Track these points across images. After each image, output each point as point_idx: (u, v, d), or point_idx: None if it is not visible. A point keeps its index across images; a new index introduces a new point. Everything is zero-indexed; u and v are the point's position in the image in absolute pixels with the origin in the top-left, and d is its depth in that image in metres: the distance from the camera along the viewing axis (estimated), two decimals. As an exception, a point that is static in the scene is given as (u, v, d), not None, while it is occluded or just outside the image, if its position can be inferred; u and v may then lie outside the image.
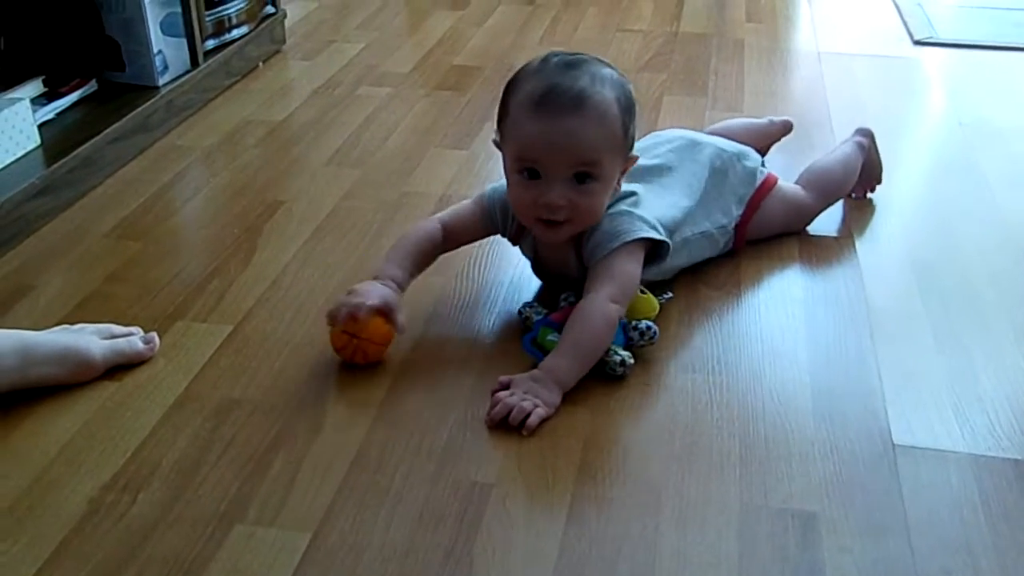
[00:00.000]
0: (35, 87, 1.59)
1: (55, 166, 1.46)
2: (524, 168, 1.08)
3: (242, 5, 1.95)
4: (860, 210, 1.45)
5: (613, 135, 1.07)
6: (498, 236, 1.23)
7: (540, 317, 1.13)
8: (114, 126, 1.59)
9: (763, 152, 1.52)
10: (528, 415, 0.99)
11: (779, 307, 1.22)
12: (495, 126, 1.15)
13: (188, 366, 1.11)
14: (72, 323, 1.13)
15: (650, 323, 1.10)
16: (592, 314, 1.06)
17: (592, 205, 1.09)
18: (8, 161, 1.44)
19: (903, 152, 1.66)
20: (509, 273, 1.28)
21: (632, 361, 1.07)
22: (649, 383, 1.08)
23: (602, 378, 1.07)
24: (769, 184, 1.32)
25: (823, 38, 2.24)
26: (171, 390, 1.07)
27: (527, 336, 1.11)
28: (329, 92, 1.91)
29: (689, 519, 0.89)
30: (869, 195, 1.48)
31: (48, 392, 1.05)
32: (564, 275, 1.18)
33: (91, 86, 1.68)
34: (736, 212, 1.29)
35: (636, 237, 1.11)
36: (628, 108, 1.09)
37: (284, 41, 2.14)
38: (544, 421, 1.00)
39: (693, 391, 1.07)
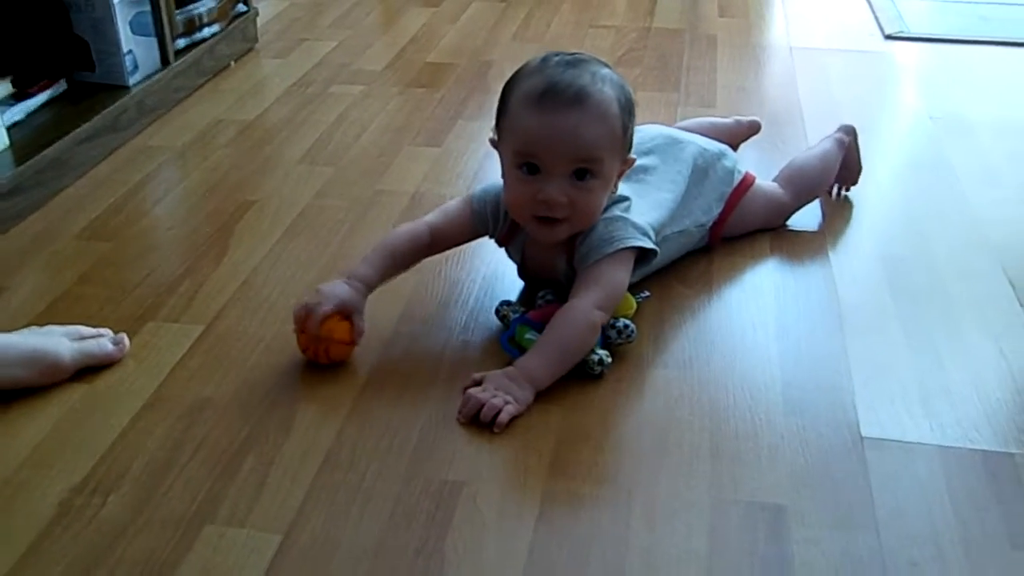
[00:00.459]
0: (3, 88, 1.57)
1: (24, 167, 1.45)
2: (523, 163, 1.07)
3: (213, 4, 1.94)
4: (832, 205, 1.46)
5: (613, 133, 1.07)
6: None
7: (518, 315, 1.13)
8: (84, 126, 1.57)
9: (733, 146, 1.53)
10: (499, 412, 0.99)
11: (751, 303, 1.23)
12: (493, 125, 1.14)
13: (159, 367, 1.10)
14: (42, 325, 1.12)
15: (627, 321, 1.10)
16: (576, 320, 1.06)
17: (590, 203, 1.09)
18: (-24, 162, 1.43)
19: (874, 147, 1.67)
20: (483, 271, 1.28)
21: (610, 360, 1.07)
22: (621, 380, 1.08)
23: (578, 375, 1.07)
24: (747, 183, 1.33)
25: (795, 33, 2.25)
26: (141, 391, 1.06)
27: (504, 334, 1.11)
28: (301, 90, 1.91)
29: (659, 515, 0.90)
30: (844, 194, 1.49)
31: (17, 394, 1.04)
32: (550, 278, 1.18)
33: (60, 86, 1.67)
34: (716, 210, 1.30)
35: (629, 245, 1.11)
36: (628, 108, 1.10)
37: (256, 39, 2.13)
38: (516, 418, 1.00)
39: (665, 388, 1.07)
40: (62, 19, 1.68)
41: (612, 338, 1.10)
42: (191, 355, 1.12)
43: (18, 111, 1.57)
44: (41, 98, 1.62)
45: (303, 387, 1.07)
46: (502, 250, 1.24)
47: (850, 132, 1.48)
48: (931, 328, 1.18)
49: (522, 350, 1.07)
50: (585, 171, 1.06)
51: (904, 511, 0.91)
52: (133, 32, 1.71)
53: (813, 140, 1.54)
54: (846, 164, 1.46)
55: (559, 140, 1.05)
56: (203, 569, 0.84)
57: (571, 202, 1.07)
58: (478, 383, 1.03)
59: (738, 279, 1.28)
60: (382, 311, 1.18)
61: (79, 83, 1.70)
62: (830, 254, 1.33)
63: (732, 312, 1.22)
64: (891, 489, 0.93)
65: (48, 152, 1.49)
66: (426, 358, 1.12)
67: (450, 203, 1.21)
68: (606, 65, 1.12)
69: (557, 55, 1.11)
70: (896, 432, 1.01)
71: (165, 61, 1.80)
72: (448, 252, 1.27)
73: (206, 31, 1.93)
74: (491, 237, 1.21)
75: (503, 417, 0.99)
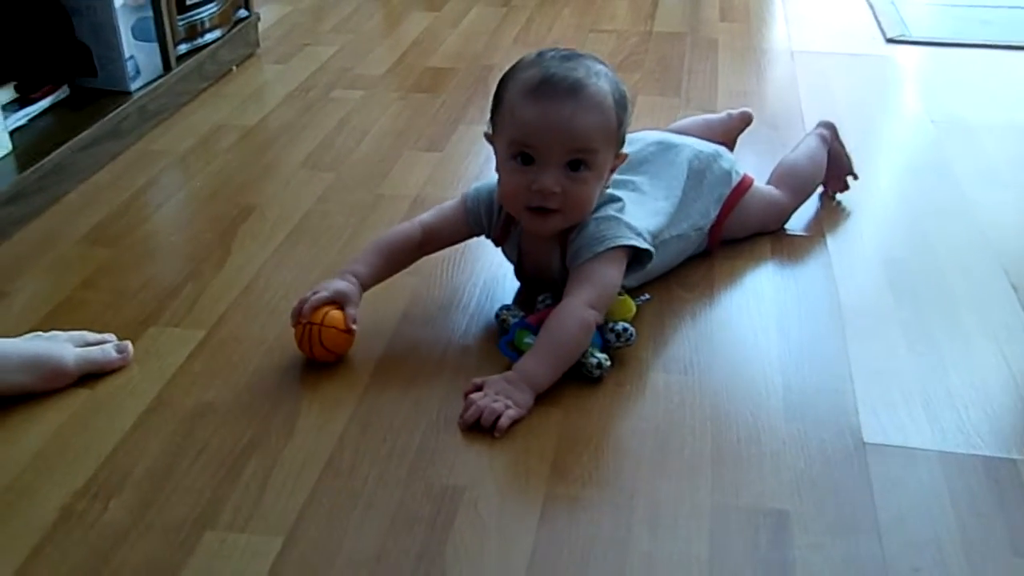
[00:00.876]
0: (6, 93, 1.58)
1: (27, 172, 1.45)
2: (518, 153, 1.08)
3: (214, 9, 1.95)
4: (832, 208, 1.46)
5: (607, 125, 1.08)
6: (476, 238, 1.23)
7: (517, 319, 1.13)
8: (86, 132, 1.58)
9: (728, 148, 1.53)
10: (499, 416, 0.99)
11: (752, 307, 1.23)
12: (488, 119, 1.15)
13: (161, 372, 1.10)
14: (45, 330, 1.13)
15: (627, 325, 1.10)
16: (569, 318, 1.06)
17: (583, 194, 1.09)
18: (-21, 168, 1.43)
19: (875, 150, 1.68)
20: (483, 275, 1.28)
21: (609, 363, 1.07)
22: (623, 384, 1.08)
23: (577, 379, 1.07)
24: (745, 185, 1.33)
25: (796, 37, 2.25)
26: (144, 396, 1.06)
27: (503, 338, 1.11)
28: (303, 95, 1.91)
29: (661, 520, 0.90)
30: (844, 192, 1.48)
31: (20, 400, 1.04)
32: (546, 278, 1.18)
33: (63, 92, 1.67)
34: (713, 213, 1.30)
35: (621, 244, 1.11)
36: (622, 103, 1.11)
37: (258, 44, 2.13)
38: (516, 422, 1.00)
39: (666, 392, 1.07)
40: (64, 25, 1.68)
41: (612, 341, 1.10)
42: (193, 360, 1.12)
43: (20, 117, 1.57)
44: (43, 104, 1.63)
45: (305, 392, 1.07)
46: (501, 254, 1.24)
47: (829, 127, 1.48)
48: (933, 332, 1.18)
49: (521, 354, 1.07)
50: (579, 162, 1.07)
51: (906, 517, 0.91)
52: (135, 38, 1.72)
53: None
54: (833, 161, 1.46)
55: (554, 129, 1.06)
56: (204, 574, 0.84)
57: (565, 192, 1.07)
58: (478, 388, 1.03)
59: (739, 282, 1.28)
60: (382, 315, 1.18)
61: (81, 88, 1.70)
62: (831, 257, 1.33)
63: (733, 316, 1.22)
64: (893, 494, 0.93)
65: (50, 158, 1.49)
66: (426, 362, 1.12)
67: (445, 203, 1.22)
68: (601, 62, 1.13)
69: (552, 51, 1.12)
70: (898, 437, 1.00)
71: (167, 66, 1.80)
72: (447, 256, 1.27)
73: (208, 36, 1.93)
74: (487, 236, 1.21)
75: (503, 422, 0.99)
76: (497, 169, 1.14)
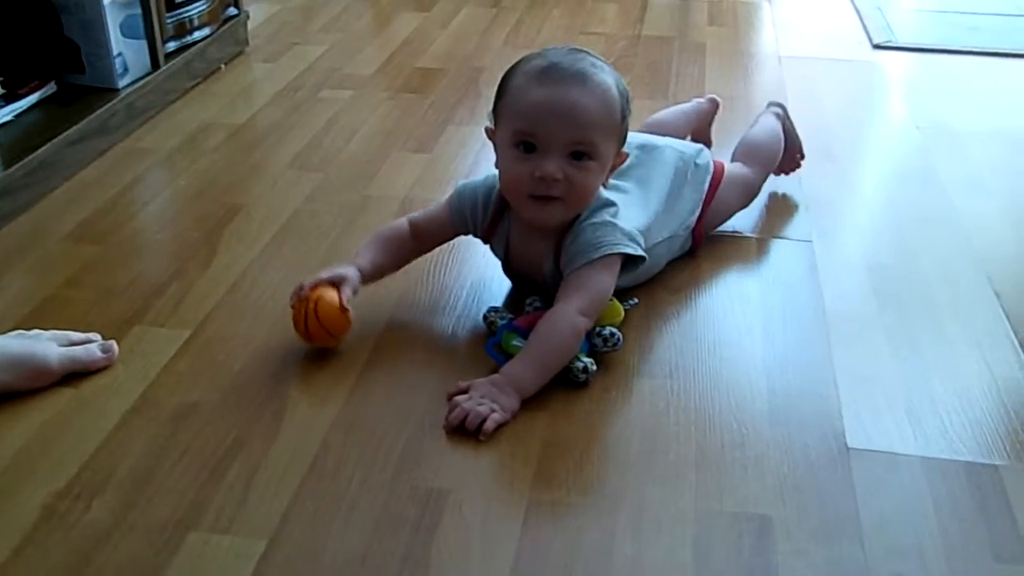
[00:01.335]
0: (-8, 89, 1.57)
1: (12, 169, 1.44)
2: (520, 142, 1.09)
3: (203, 7, 1.94)
4: (818, 213, 1.46)
5: (611, 117, 1.09)
6: (463, 239, 1.23)
7: (505, 322, 1.13)
8: (73, 128, 1.57)
9: (704, 135, 1.58)
10: (485, 420, 0.99)
11: (737, 311, 1.24)
12: (490, 112, 1.16)
13: (145, 371, 1.10)
14: (29, 328, 1.12)
15: (614, 329, 1.11)
16: (560, 324, 1.06)
17: (586, 184, 1.09)
18: (-37, 164, 1.43)
19: (861, 156, 1.69)
20: (471, 277, 1.28)
21: (595, 368, 1.07)
22: (608, 388, 1.08)
23: (564, 384, 1.07)
24: (719, 176, 1.34)
25: (784, 42, 2.26)
26: (128, 396, 1.06)
27: (491, 340, 1.11)
28: (291, 95, 1.91)
29: (645, 525, 0.90)
30: (795, 171, 1.51)
31: (2, 399, 1.04)
32: (536, 278, 1.19)
33: (50, 88, 1.66)
34: (697, 210, 1.31)
35: (615, 251, 1.11)
36: (625, 98, 1.12)
37: (247, 43, 2.13)
38: (501, 426, 1.00)
39: (651, 396, 1.07)
40: (52, 21, 1.67)
41: (598, 346, 1.10)
42: (178, 360, 1.12)
43: (7, 113, 1.57)
44: (30, 100, 1.62)
45: (290, 393, 1.07)
46: (490, 257, 1.24)
47: (780, 106, 1.52)
48: (917, 338, 1.18)
49: (508, 357, 1.07)
50: (582, 153, 1.08)
51: (889, 522, 0.91)
52: (123, 35, 1.71)
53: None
54: (786, 140, 1.49)
55: (560, 115, 1.07)
56: (188, 575, 0.84)
57: (568, 179, 1.08)
58: (464, 391, 1.03)
59: (724, 287, 1.29)
60: (369, 317, 1.18)
61: (69, 85, 1.69)
62: (817, 262, 1.34)
63: (718, 320, 1.22)
64: (876, 500, 0.93)
65: (37, 154, 1.48)
66: (413, 365, 1.12)
67: (433, 203, 1.23)
68: (603, 60, 1.14)
69: (555, 47, 1.14)
70: (881, 442, 1.01)
71: (155, 64, 1.80)
72: (435, 257, 1.27)
73: (196, 34, 1.92)
74: (474, 235, 1.22)
75: (489, 425, 0.99)
76: (497, 164, 1.14)
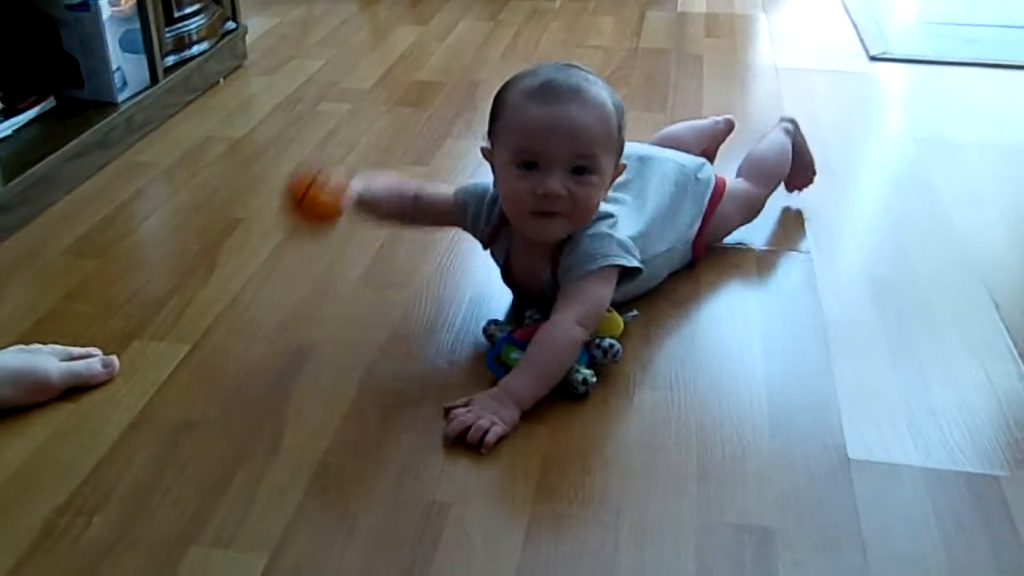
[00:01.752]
0: (-8, 104, 1.58)
1: (12, 183, 1.44)
2: (522, 161, 1.09)
3: (202, 21, 1.95)
4: (816, 224, 1.47)
5: (609, 131, 1.10)
6: (451, 245, 1.23)
7: (504, 334, 1.13)
8: (72, 143, 1.57)
9: (711, 153, 1.56)
10: (486, 432, 0.99)
11: (737, 322, 1.24)
12: (485, 133, 1.16)
13: (146, 386, 1.10)
14: (29, 342, 1.12)
15: (613, 341, 1.11)
16: (557, 336, 1.07)
17: (588, 198, 1.10)
18: (-37, 179, 1.43)
19: (858, 167, 1.69)
20: (470, 292, 1.28)
21: (595, 379, 1.07)
22: (608, 400, 1.08)
23: (563, 395, 1.07)
24: (720, 190, 1.34)
25: (781, 53, 2.27)
26: (128, 410, 1.06)
27: (490, 353, 1.12)
28: (290, 108, 1.91)
29: (647, 537, 0.90)
30: (808, 187, 1.51)
31: (2, 414, 1.04)
32: (534, 290, 1.19)
33: (49, 103, 1.67)
34: (697, 223, 1.31)
35: (613, 262, 1.11)
36: (620, 110, 1.13)
37: (245, 57, 2.13)
38: (502, 439, 1.00)
39: (652, 408, 1.07)
40: (52, 36, 1.68)
41: (598, 358, 1.10)
42: (178, 374, 1.12)
43: (6, 127, 1.57)
44: (30, 114, 1.62)
45: (291, 407, 1.07)
46: (490, 270, 1.24)
47: (792, 121, 1.52)
48: (916, 348, 1.19)
49: (508, 369, 1.07)
50: (583, 168, 1.08)
51: (890, 534, 0.91)
52: (122, 49, 1.71)
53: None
54: (797, 156, 1.49)
55: (559, 131, 1.07)
56: (189, 591, 0.84)
57: (571, 195, 1.08)
58: (463, 405, 1.03)
59: (724, 299, 1.29)
60: (369, 330, 1.18)
61: (68, 99, 1.70)
62: (816, 274, 1.34)
63: (718, 332, 1.22)
64: (877, 511, 0.93)
65: (36, 169, 1.49)
66: (413, 379, 1.12)
67: (442, 185, 1.24)
68: (594, 74, 1.14)
69: (546, 64, 1.14)
70: (882, 454, 1.01)
71: (154, 78, 1.80)
72: (436, 270, 1.28)
73: (195, 48, 1.93)
74: (475, 236, 1.22)
75: (490, 438, 0.99)
76: (495, 184, 1.14)
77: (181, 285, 1.30)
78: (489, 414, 1.01)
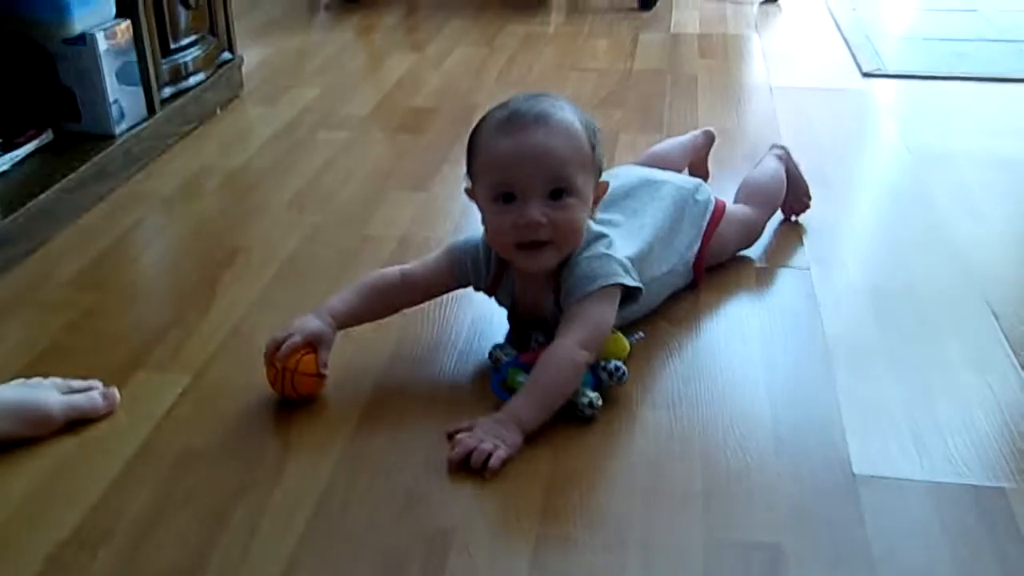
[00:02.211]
0: (-11, 139, 1.58)
1: (11, 217, 1.45)
2: (500, 194, 1.09)
3: (198, 52, 1.96)
4: (815, 239, 1.47)
5: (581, 150, 1.10)
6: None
7: (510, 358, 1.13)
8: (71, 176, 1.58)
9: (700, 167, 1.60)
10: (489, 456, 0.99)
11: (738, 340, 1.24)
12: (465, 174, 1.16)
13: (148, 417, 1.09)
14: (30, 376, 1.12)
15: (619, 363, 1.10)
16: (560, 360, 1.07)
17: (571, 221, 1.10)
18: (-38, 214, 1.43)
19: (856, 182, 1.70)
20: (473, 313, 1.28)
21: (600, 402, 1.07)
22: (611, 422, 1.08)
23: (567, 418, 1.06)
24: (719, 213, 1.35)
25: (775, 72, 2.28)
26: (131, 442, 1.05)
27: (496, 377, 1.11)
28: (287, 137, 1.92)
29: (654, 556, 0.90)
30: (801, 214, 1.51)
31: (4, 448, 1.03)
32: (541, 319, 1.18)
33: (47, 136, 1.67)
34: (696, 245, 1.31)
35: (613, 282, 1.12)
36: (591, 129, 1.13)
37: (241, 86, 2.14)
38: (506, 462, 1.00)
39: (655, 427, 1.07)
40: (48, 70, 1.68)
41: (604, 380, 1.10)
42: (180, 405, 1.12)
43: (5, 162, 1.57)
44: (28, 148, 1.63)
45: (293, 435, 1.07)
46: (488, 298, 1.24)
47: (782, 147, 1.53)
48: (918, 362, 1.19)
49: (513, 393, 1.07)
50: (560, 191, 1.09)
51: (898, 549, 0.91)
52: (119, 82, 1.72)
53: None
54: (791, 182, 1.49)
55: (530, 159, 1.07)
56: (194, 622, 0.83)
57: (552, 222, 1.08)
58: (467, 429, 1.03)
59: (725, 316, 1.29)
60: (371, 355, 1.18)
61: (65, 133, 1.70)
62: (815, 288, 1.34)
63: (720, 350, 1.22)
64: (885, 527, 0.93)
65: (35, 202, 1.49)
66: (416, 403, 1.12)
67: (429, 255, 1.22)
68: (563, 99, 1.15)
69: (516, 96, 1.15)
70: (887, 469, 1.01)
71: (151, 110, 1.81)
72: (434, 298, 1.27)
73: (192, 79, 1.94)
74: (477, 288, 1.21)
75: (494, 462, 0.98)
76: (483, 221, 1.14)
77: (181, 316, 1.30)
78: (493, 438, 1.01)
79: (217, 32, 2.06)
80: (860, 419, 1.08)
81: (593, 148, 1.12)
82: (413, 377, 1.17)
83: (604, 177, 1.18)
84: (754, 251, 1.43)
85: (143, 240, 1.54)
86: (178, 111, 1.88)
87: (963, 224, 1.51)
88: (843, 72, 2.27)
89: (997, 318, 1.27)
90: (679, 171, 1.49)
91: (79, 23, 1.66)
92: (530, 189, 1.08)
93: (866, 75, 2.23)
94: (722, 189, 1.45)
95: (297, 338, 1.09)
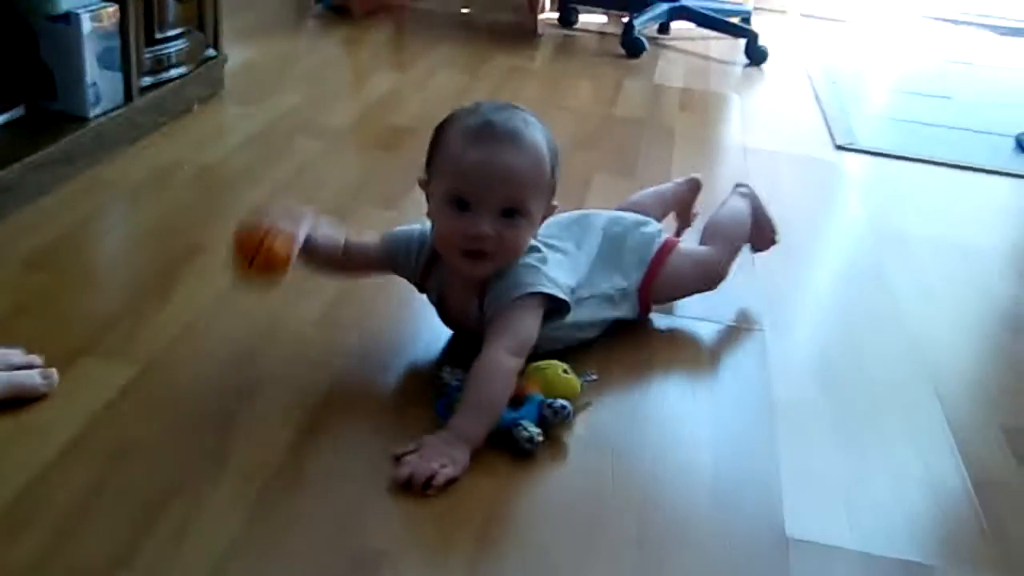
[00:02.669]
0: (-40, 107, 1.56)
1: (-28, 188, 1.43)
2: (456, 199, 1.11)
3: (182, 45, 1.95)
4: (772, 303, 1.49)
5: (542, 175, 1.14)
6: (408, 287, 1.24)
7: (457, 383, 1.13)
8: (38, 154, 1.56)
9: (684, 219, 1.60)
10: (433, 476, 0.99)
11: (687, 393, 1.25)
12: (425, 166, 1.17)
13: (88, 405, 1.08)
14: None
15: (565, 403, 1.10)
16: (489, 369, 1.08)
17: (516, 240, 1.13)
18: (-77, 179, 1.40)
19: (818, 252, 1.73)
20: (426, 334, 1.28)
21: (542, 439, 1.07)
22: (554, 460, 1.08)
23: (509, 451, 1.07)
24: (668, 247, 1.36)
25: (750, 134, 2.32)
26: (68, 429, 1.04)
27: (442, 399, 1.11)
28: (263, 140, 1.91)
29: (582, 599, 0.90)
30: (769, 250, 1.52)
31: (-63, 422, 1.01)
32: (465, 323, 1.20)
33: (18, 111, 1.65)
34: (636, 275, 1.32)
35: (536, 290, 1.14)
36: (554, 152, 1.16)
37: (222, 85, 2.14)
38: (452, 481, 1.00)
39: (597, 471, 1.07)
40: (29, 45, 1.67)
41: (548, 417, 1.10)
42: (123, 395, 1.10)
43: (-28, 132, 1.55)
44: (-3, 121, 1.61)
45: (235, 440, 1.05)
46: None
47: (746, 186, 1.54)
48: (859, 435, 1.20)
49: (456, 414, 1.08)
50: (513, 210, 1.11)
51: (822, 615, 0.92)
52: (100, 65, 1.71)
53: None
54: (757, 215, 1.51)
55: (494, 177, 1.10)
56: (112, 619, 0.82)
57: (499, 236, 1.11)
58: (414, 451, 1.02)
59: (676, 369, 1.30)
60: (317, 368, 1.18)
61: (39, 110, 1.68)
62: (767, 352, 1.36)
63: (668, 401, 1.23)
64: (811, 592, 0.94)
65: (-2, 176, 1.47)
66: (361, 420, 1.11)
67: (368, 233, 1.26)
68: (531, 113, 1.17)
69: (487, 102, 1.18)
70: (820, 535, 1.02)
71: (128, 97, 1.80)
72: (385, 312, 1.27)
73: (173, 71, 1.93)
74: (407, 278, 1.23)
75: (439, 480, 0.98)
76: (430, 214, 1.16)
77: (135, 307, 1.28)
78: (439, 456, 1.01)
79: (204, 28, 2.05)
80: (798, 484, 1.09)
81: (553, 170, 1.16)
82: (359, 391, 1.16)
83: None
84: (711, 308, 1.44)
85: (104, 227, 1.52)
86: (156, 102, 1.87)
87: (916, 306, 1.54)
88: (817, 142, 2.32)
89: (940, 400, 1.29)
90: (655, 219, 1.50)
91: (66, 2, 1.65)
92: (486, 203, 1.11)
93: (839, 147, 2.28)
94: (690, 242, 1.47)
95: (281, 215, 1.10)
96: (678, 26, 3.18)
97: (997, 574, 0.99)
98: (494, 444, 1.06)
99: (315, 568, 0.89)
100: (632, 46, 2.85)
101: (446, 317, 1.25)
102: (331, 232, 1.21)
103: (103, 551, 0.88)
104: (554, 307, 1.16)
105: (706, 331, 1.39)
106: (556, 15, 3.23)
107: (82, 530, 0.90)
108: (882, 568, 0.98)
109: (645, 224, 1.37)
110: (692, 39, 3.16)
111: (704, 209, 1.61)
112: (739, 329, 1.41)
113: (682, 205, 1.60)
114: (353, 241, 1.23)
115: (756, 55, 2.95)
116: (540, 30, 3.10)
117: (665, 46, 3.08)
